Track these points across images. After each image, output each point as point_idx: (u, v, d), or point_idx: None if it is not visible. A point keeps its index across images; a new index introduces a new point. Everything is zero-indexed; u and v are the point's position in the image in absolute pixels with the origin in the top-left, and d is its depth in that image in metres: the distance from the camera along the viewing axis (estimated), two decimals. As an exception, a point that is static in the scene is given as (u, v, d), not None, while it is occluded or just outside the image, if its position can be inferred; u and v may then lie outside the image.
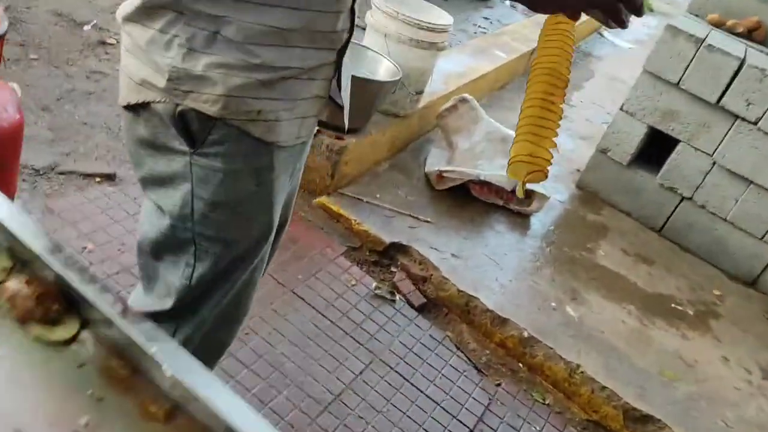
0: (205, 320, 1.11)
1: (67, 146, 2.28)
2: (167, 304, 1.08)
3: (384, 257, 2.45)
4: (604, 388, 2.19)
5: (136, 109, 0.98)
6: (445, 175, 2.84)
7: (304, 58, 0.96)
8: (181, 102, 0.93)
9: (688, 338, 2.62)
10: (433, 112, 3.05)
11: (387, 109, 2.77)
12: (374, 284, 2.31)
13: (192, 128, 0.96)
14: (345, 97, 1.16)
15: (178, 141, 0.97)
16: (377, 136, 2.71)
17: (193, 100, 0.93)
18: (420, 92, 2.86)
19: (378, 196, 2.66)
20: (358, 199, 2.59)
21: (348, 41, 1.05)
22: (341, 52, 1.04)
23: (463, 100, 2.96)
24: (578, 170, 3.56)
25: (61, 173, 2.15)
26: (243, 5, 0.89)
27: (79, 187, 2.14)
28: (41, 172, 2.11)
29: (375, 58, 2.64)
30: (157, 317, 1.11)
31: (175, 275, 1.07)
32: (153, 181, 1.03)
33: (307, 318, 2.08)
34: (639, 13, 0.92)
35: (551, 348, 2.27)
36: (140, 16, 0.93)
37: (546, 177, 1.07)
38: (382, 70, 2.62)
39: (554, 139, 1.12)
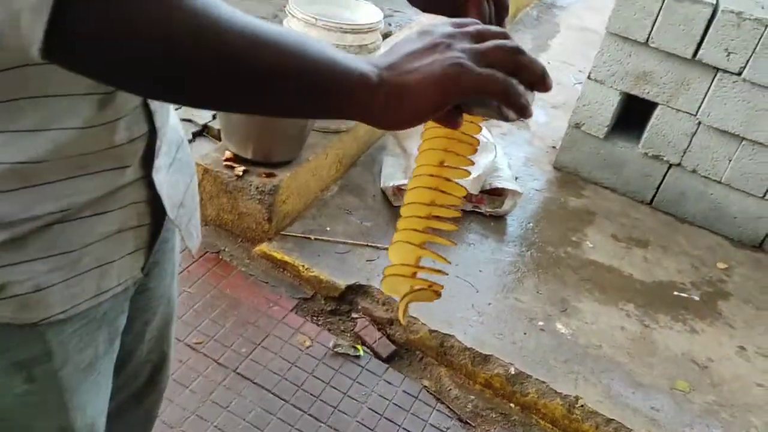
0: None
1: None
2: None
3: (342, 303, 2.15)
4: (609, 420, 1.91)
5: None
6: (403, 188, 2.53)
7: (68, 195, 0.65)
8: None
9: (698, 332, 2.34)
10: (380, 117, 2.72)
11: (324, 126, 2.45)
12: (333, 341, 2.02)
13: None
14: (184, 218, 0.84)
15: None
16: (318, 161, 2.39)
17: None
18: (359, 101, 2.52)
19: (328, 229, 2.35)
20: (306, 237, 2.28)
21: (153, 147, 0.73)
22: (147, 164, 0.73)
23: (411, 100, 2.62)
24: (554, 147, 3.24)
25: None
26: None
27: None
28: None
29: (299, 74, 2.30)
30: None
31: None
32: None
33: (256, 402, 1.79)
34: (544, 83, 0.59)
35: (544, 382, 1.98)
36: None
37: (439, 296, 0.74)
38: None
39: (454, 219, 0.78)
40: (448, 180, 0.74)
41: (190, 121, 2.57)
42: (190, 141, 2.51)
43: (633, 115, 2.94)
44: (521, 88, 0.56)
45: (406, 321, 0.74)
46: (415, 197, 0.75)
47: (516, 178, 2.84)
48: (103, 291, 0.73)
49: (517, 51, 0.57)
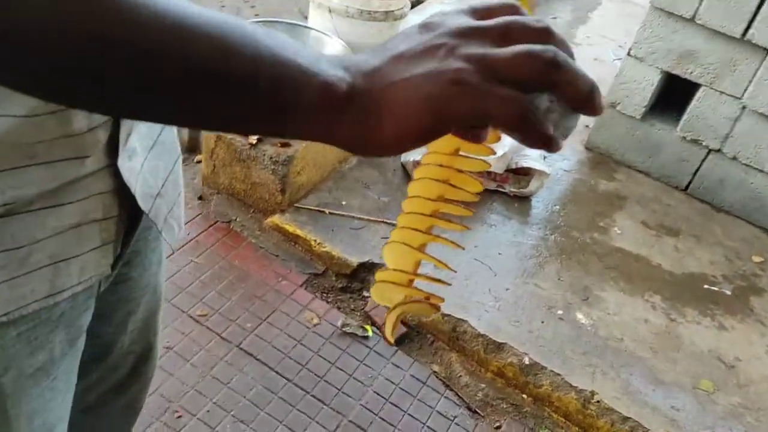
0: None
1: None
2: None
3: (353, 281, 2.08)
4: (626, 419, 1.82)
5: None
6: (424, 163, 2.43)
7: (14, 186, 0.56)
8: None
9: (726, 328, 2.22)
10: (405, 88, 2.61)
11: (346, 95, 2.35)
12: (341, 320, 1.95)
13: None
14: (162, 208, 0.76)
15: None
16: (337, 131, 2.30)
17: None
18: (383, 70, 2.42)
19: (344, 203, 2.27)
20: (320, 211, 2.21)
21: (118, 134, 0.64)
22: (113, 152, 0.65)
23: (437, 71, 2.51)
24: (587, 126, 3.10)
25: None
26: None
27: None
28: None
29: (319, 39, 2.21)
30: None
31: None
32: None
33: (257, 380, 1.73)
34: (591, 105, 0.42)
35: (559, 374, 1.89)
36: None
37: (438, 310, 0.64)
38: (329, 52, 2.19)
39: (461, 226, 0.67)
40: (461, 172, 0.63)
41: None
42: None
43: (673, 95, 2.78)
44: (553, 114, 0.41)
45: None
46: (420, 190, 0.64)
47: (544, 158, 2.72)
48: (59, 290, 0.65)
49: (552, 61, 0.40)
